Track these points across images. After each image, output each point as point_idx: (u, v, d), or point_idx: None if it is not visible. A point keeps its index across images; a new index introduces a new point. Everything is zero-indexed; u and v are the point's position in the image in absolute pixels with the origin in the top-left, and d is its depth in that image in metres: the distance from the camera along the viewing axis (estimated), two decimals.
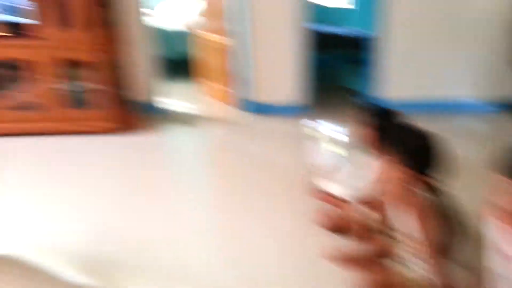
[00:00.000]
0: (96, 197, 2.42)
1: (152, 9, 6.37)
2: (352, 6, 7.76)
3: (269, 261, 1.89)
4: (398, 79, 4.47)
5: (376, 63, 4.45)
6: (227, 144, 3.58)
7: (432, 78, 4.56)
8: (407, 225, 1.58)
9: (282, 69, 4.16)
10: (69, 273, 1.76)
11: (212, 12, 4.54)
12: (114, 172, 2.79)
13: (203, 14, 4.96)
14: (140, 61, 3.86)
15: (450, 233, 1.53)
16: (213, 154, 3.39)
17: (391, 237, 1.87)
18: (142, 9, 3.78)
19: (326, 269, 1.82)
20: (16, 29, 3.05)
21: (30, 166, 2.76)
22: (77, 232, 2.06)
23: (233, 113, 4.27)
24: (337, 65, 7.33)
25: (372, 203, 1.84)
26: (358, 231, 1.89)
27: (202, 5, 4.93)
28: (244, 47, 4.06)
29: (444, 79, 4.60)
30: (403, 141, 1.56)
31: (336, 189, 2.16)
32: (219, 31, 4.46)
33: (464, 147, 3.73)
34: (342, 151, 2.10)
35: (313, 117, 4.08)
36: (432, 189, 1.54)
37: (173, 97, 4.59)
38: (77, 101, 3.38)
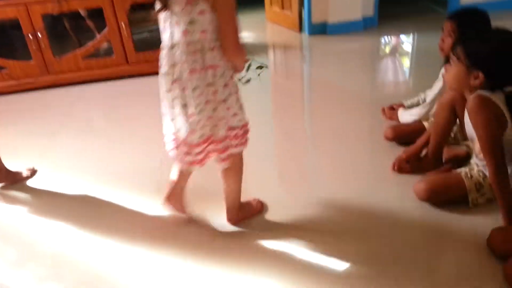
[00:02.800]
0: None
1: None
2: None
3: (342, 175, 1.94)
4: None
5: None
6: (292, 69, 3.55)
7: None
8: (469, 124, 1.53)
9: None
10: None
11: None
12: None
13: None
14: None
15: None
16: (279, 80, 3.39)
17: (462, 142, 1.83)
18: None
19: (395, 181, 1.83)
20: None
21: (114, 108, 2.99)
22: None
23: (296, 36, 4.17)
24: None
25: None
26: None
27: None
28: None
29: None
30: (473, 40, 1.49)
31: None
32: None
33: None
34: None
35: (382, 32, 3.95)
36: (492, 87, 1.47)
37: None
38: (149, 42, 3.52)
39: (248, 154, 1.55)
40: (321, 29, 4.04)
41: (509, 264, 1.28)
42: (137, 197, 1.89)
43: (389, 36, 3.94)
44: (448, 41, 1.81)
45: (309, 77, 3.27)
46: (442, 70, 1.84)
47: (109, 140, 2.48)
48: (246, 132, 1.47)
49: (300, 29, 4.24)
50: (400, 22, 4.25)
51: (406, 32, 4.01)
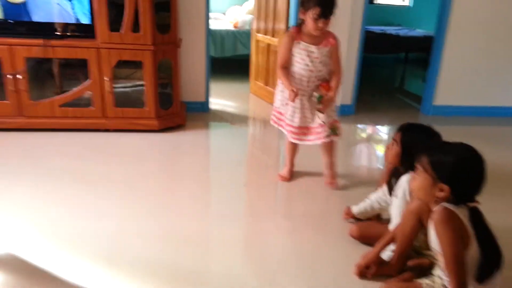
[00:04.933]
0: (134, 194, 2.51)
1: (223, 12, 6.53)
2: (407, 4, 7.50)
3: (302, 273, 1.88)
4: (453, 82, 4.26)
5: (433, 65, 4.27)
6: (263, 143, 3.60)
7: (492, 84, 4.31)
8: (433, 235, 1.54)
9: None
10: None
11: (262, 12, 4.56)
12: (156, 167, 2.90)
13: (252, 13, 4.99)
14: (195, 61, 3.96)
15: (478, 251, 1.48)
16: (249, 152, 3.42)
17: (424, 252, 1.82)
18: (208, 13, 3.87)
19: (357, 285, 1.78)
20: (74, 30, 3.25)
21: (76, 160, 2.92)
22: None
23: None
24: (388, 65, 7.16)
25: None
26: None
27: (251, 4, 4.94)
28: None
29: (505, 86, 4.32)
30: (433, 153, 1.54)
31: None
32: (267, 31, 4.47)
33: None
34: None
35: (361, 119, 4.10)
36: (456, 200, 1.50)
37: (222, 96, 4.68)
38: (130, 99, 3.54)
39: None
40: None
41: None
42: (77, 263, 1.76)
43: (364, 125, 4.07)
44: (392, 150, 1.95)
45: (283, 156, 3.30)
46: (404, 186, 1.86)
47: (65, 195, 2.40)
48: None
49: None
50: (376, 113, 4.43)
51: (380, 122, 4.17)
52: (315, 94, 2.43)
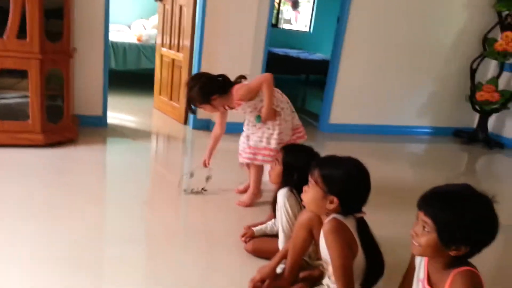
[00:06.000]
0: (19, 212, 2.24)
1: (128, 25, 6.26)
2: (308, 30, 7.99)
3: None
4: (347, 102, 4.58)
5: (329, 86, 4.54)
6: (166, 159, 3.50)
7: (382, 105, 4.71)
8: (323, 245, 1.59)
9: None
10: None
11: (166, 27, 4.49)
12: (42, 185, 2.62)
13: (156, 28, 4.88)
14: (91, 74, 3.72)
15: (363, 258, 1.56)
16: (151, 169, 3.28)
17: (316, 259, 1.87)
18: (107, 24, 3.66)
19: None
20: None
21: None
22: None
23: (180, 128, 4.19)
24: (292, 86, 7.50)
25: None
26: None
27: (156, 19, 4.84)
28: (198, 63, 4.00)
29: (394, 106, 4.76)
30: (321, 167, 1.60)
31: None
32: (172, 46, 4.41)
33: (410, 171, 3.86)
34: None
35: None
36: (345, 212, 1.57)
37: (123, 111, 4.46)
38: (12, 112, 3.19)
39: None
40: (205, 125, 4.13)
41: None
42: None
43: None
44: (275, 170, 2.06)
45: (188, 170, 3.22)
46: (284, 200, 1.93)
47: None
48: None
49: (185, 121, 4.28)
50: None
51: None
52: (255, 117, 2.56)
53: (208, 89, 2.42)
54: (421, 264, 1.38)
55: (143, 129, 4.10)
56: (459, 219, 1.20)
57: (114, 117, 4.13)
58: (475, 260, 1.27)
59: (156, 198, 2.73)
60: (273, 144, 2.51)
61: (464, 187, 1.28)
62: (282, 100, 2.58)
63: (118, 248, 2.04)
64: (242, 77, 2.58)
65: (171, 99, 4.49)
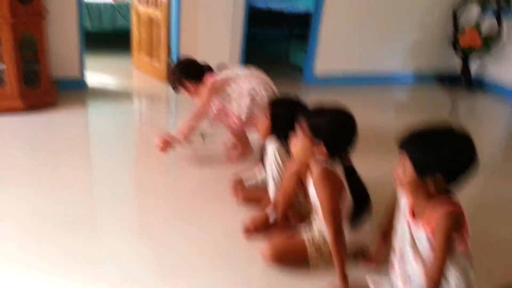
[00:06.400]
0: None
1: None
2: None
3: (189, 237, 1.86)
4: (330, 53, 4.53)
5: (312, 38, 4.47)
6: (149, 120, 3.47)
7: (366, 54, 4.68)
8: (313, 192, 1.63)
9: (216, 43, 4.03)
10: None
11: None
12: (23, 153, 2.58)
13: None
14: (66, 35, 3.58)
15: (351, 201, 1.62)
16: (135, 130, 3.25)
17: (306, 205, 1.92)
18: None
19: (243, 243, 1.82)
20: None
21: None
22: None
23: (162, 88, 4.12)
24: (276, 40, 7.39)
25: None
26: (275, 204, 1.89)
27: None
28: (176, 20, 3.88)
29: (377, 54, 4.73)
30: (309, 118, 1.61)
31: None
32: (149, 3, 4.24)
33: (395, 116, 3.91)
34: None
35: None
36: (333, 159, 1.60)
37: (102, 72, 4.35)
38: None
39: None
40: None
41: None
42: None
43: None
44: (263, 124, 2.05)
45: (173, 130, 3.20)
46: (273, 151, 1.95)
47: None
48: None
49: (168, 80, 4.20)
50: None
51: None
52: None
53: (184, 73, 2.54)
54: (405, 201, 1.42)
55: (124, 90, 4.03)
56: (434, 152, 1.26)
57: (93, 79, 4.04)
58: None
59: (144, 160, 2.73)
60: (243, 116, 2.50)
61: (442, 126, 1.33)
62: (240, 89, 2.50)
63: (110, 207, 2.07)
64: (222, 67, 2.62)
65: (151, 58, 4.38)
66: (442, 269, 1.29)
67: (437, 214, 1.28)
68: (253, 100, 2.44)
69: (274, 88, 2.55)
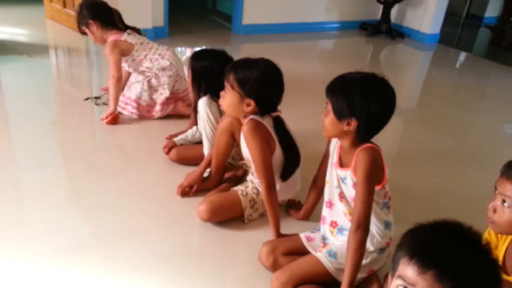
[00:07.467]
0: None
1: None
2: None
3: (127, 198, 1.84)
4: (258, 2, 4.46)
5: None
6: (70, 75, 3.25)
7: (293, 4, 4.67)
8: (245, 146, 1.67)
9: None
10: None
11: None
12: None
13: None
14: None
15: (280, 152, 1.67)
16: (55, 86, 3.04)
17: (239, 160, 1.97)
18: None
19: (178, 201, 1.85)
20: None
21: None
22: None
23: (80, 39, 3.82)
24: None
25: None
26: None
27: None
28: None
29: (305, 5, 4.74)
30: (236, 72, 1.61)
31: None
32: None
33: (321, 66, 4.01)
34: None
35: (176, 42, 4.00)
36: (262, 112, 1.63)
37: (10, 24, 3.92)
38: None
39: None
40: None
41: (274, 276, 1.41)
42: None
43: (179, 47, 4.01)
44: (188, 78, 2.03)
45: (97, 85, 3.03)
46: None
47: None
48: None
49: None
50: (189, 34, 4.38)
51: (195, 44, 4.15)
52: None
53: (91, 12, 2.36)
54: (334, 150, 1.51)
55: (38, 42, 3.69)
56: (348, 96, 1.30)
57: (2, 31, 3.64)
58: (377, 139, 1.41)
59: (66, 117, 2.58)
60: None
61: (361, 73, 1.36)
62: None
63: (36, 172, 1.96)
64: (135, 30, 2.49)
65: (64, 7, 4.01)
66: (367, 206, 1.31)
67: (356, 152, 1.37)
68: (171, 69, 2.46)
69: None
